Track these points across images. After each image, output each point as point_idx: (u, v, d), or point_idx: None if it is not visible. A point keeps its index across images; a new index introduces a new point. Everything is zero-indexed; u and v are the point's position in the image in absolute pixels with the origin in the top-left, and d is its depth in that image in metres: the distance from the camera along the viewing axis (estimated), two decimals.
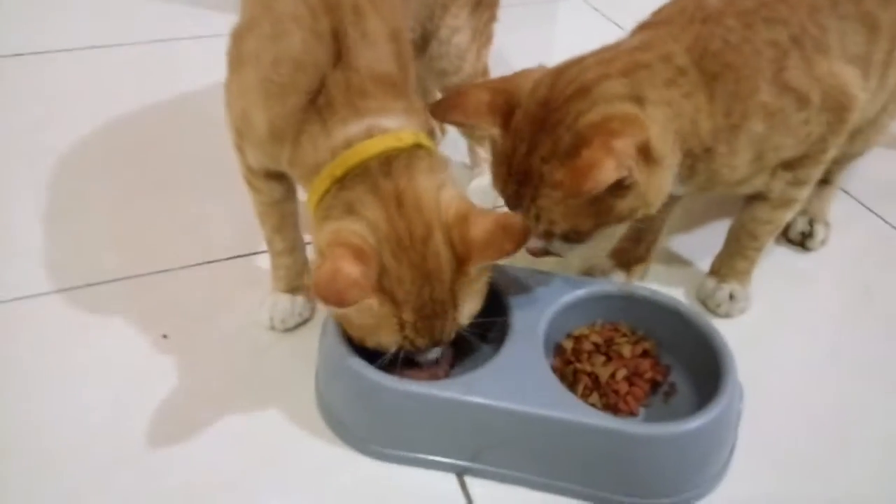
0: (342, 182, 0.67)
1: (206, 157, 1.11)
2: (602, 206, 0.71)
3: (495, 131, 0.74)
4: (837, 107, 0.78)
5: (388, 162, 0.68)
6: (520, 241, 0.68)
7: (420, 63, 0.97)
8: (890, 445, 0.79)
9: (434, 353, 0.75)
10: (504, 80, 0.76)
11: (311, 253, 0.86)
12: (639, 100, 0.71)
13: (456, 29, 0.96)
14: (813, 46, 0.76)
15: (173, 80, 1.33)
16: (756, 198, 0.87)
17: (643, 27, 0.80)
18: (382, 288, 0.66)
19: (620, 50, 0.75)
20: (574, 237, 0.75)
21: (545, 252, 0.78)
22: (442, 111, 0.76)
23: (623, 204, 0.72)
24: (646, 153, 0.70)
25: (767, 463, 0.76)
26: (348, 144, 0.68)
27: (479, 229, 0.68)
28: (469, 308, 0.71)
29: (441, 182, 0.69)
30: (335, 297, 0.62)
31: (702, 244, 1.03)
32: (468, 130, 1.04)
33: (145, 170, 1.13)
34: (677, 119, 0.72)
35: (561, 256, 0.80)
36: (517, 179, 0.73)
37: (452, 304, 0.69)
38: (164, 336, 0.86)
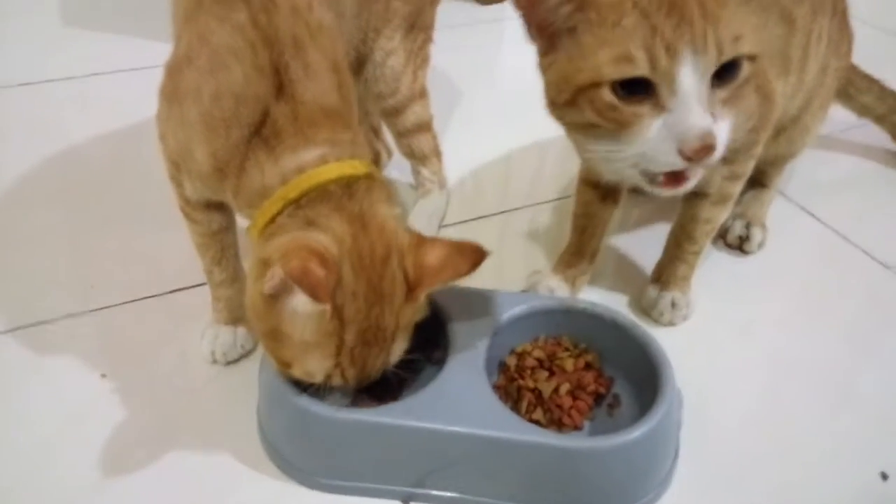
0: (298, 203, 0.67)
1: (142, 191, 1.10)
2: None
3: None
4: (765, 95, 0.80)
5: (349, 185, 0.68)
6: (475, 261, 0.68)
7: (358, 86, 0.98)
8: (833, 447, 0.80)
9: (345, 397, 0.73)
10: None
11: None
12: None
13: (390, 52, 0.97)
14: None
15: (111, 113, 1.32)
16: (695, 197, 0.88)
17: None
18: (335, 302, 0.65)
19: None
20: (741, 85, 0.63)
21: (713, 149, 0.62)
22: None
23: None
24: None
25: (712, 468, 0.77)
26: (301, 170, 0.67)
27: (433, 255, 0.68)
28: (400, 346, 0.71)
29: (396, 215, 0.70)
30: (310, 288, 0.60)
31: (642, 253, 1.04)
32: None
33: (82, 206, 1.12)
34: None
35: (706, 168, 0.67)
36: (671, 9, 0.60)
37: (393, 333, 0.69)
38: (103, 375, 0.84)
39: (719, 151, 0.62)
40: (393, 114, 1.03)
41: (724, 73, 0.62)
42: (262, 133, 0.68)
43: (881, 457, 0.78)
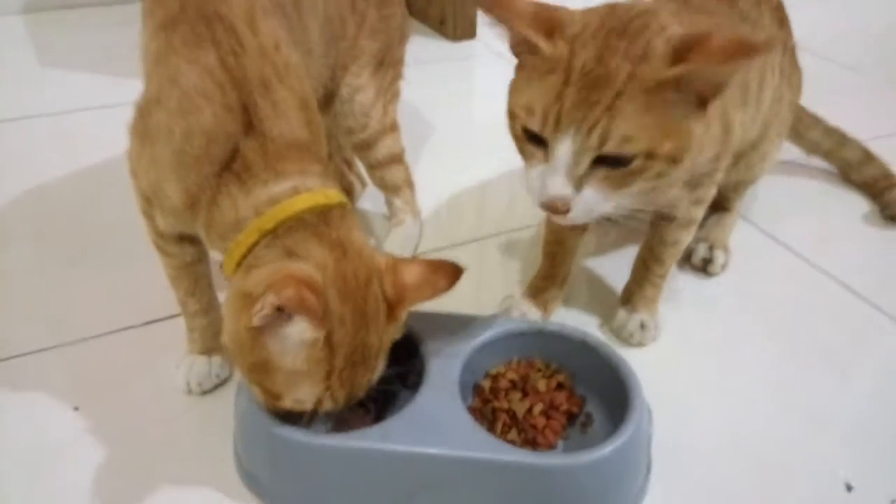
0: (274, 233, 0.68)
1: (116, 225, 1.10)
2: (685, 116, 0.67)
3: (540, 40, 0.69)
4: (725, 127, 0.84)
5: (325, 214, 0.69)
6: (453, 278, 0.71)
7: (328, 121, 1.00)
8: (799, 460, 0.82)
9: (324, 422, 0.74)
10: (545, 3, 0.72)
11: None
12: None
13: (358, 88, 0.99)
14: None
15: (79, 149, 1.33)
16: (662, 220, 0.92)
17: None
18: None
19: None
20: (616, 180, 0.68)
21: (566, 204, 0.70)
22: (488, 3, 0.71)
23: (698, 129, 0.68)
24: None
25: (683, 484, 0.78)
26: (274, 202, 0.68)
27: (410, 274, 0.71)
28: (382, 363, 0.72)
29: (368, 241, 0.72)
30: (309, 313, 0.62)
31: (613, 276, 1.07)
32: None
33: (56, 240, 1.12)
34: None
35: (573, 222, 0.74)
36: (581, 86, 0.66)
37: (377, 352, 0.70)
38: (76, 408, 0.83)
39: (577, 217, 0.71)
40: (364, 147, 1.06)
41: (613, 160, 0.68)
42: (232, 168, 0.69)
43: (846, 468, 0.81)
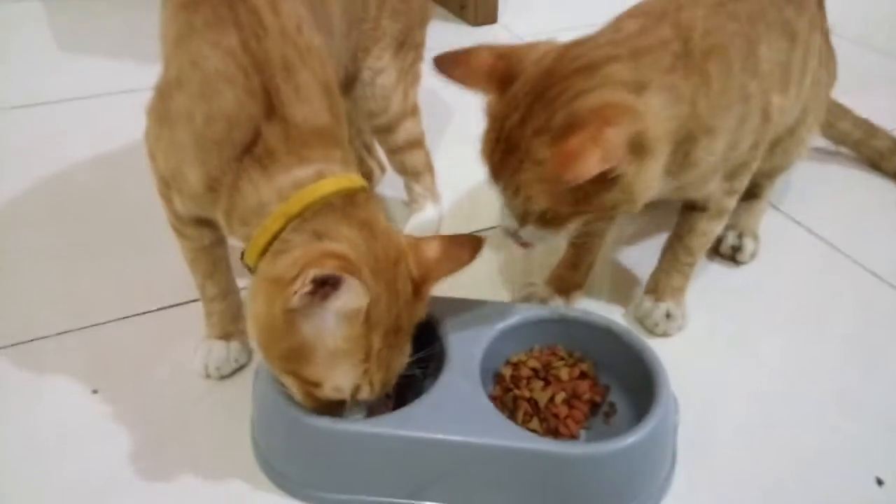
0: (302, 217, 0.67)
1: (135, 210, 1.09)
2: (585, 193, 0.69)
3: (491, 96, 0.73)
4: (765, 115, 0.81)
5: (350, 196, 0.68)
6: (474, 250, 0.72)
7: (348, 105, 0.99)
8: (828, 453, 0.80)
9: (362, 410, 0.73)
10: (511, 47, 0.75)
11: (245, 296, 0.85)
12: (642, 86, 0.70)
13: (379, 70, 0.98)
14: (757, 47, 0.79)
15: (99, 134, 1.33)
16: (693, 209, 0.89)
17: (627, 16, 0.79)
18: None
19: (627, 33, 0.74)
20: (550, 222, 0.73)
21: (517, 235, 0.77)
22: (445, 65, 0.74)
23: (608, 196, 0.70)
24: (638, 145, 0.69)
25: (710, 474, 0.76)
26: (298, 186, 0.67)
27: (432, 250, 0.71)
28: (410, 345, 0.72)
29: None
30: (357, 272, 0.62)
31: (638, 264, 1.05)
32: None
33: (76, 226, 1.12)
34: (678, 103, 0.72)
35: (528, 246, 0.78)
36: (504, 148, 0.72)
37: (408, 333, 0.70)
38: (94, 391, 0.83)
39: (530, 247, 0.79)
40: (384, 131, 1.04)
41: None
42: (254, 152, 0.68)
43: (877, 462, 0.78)
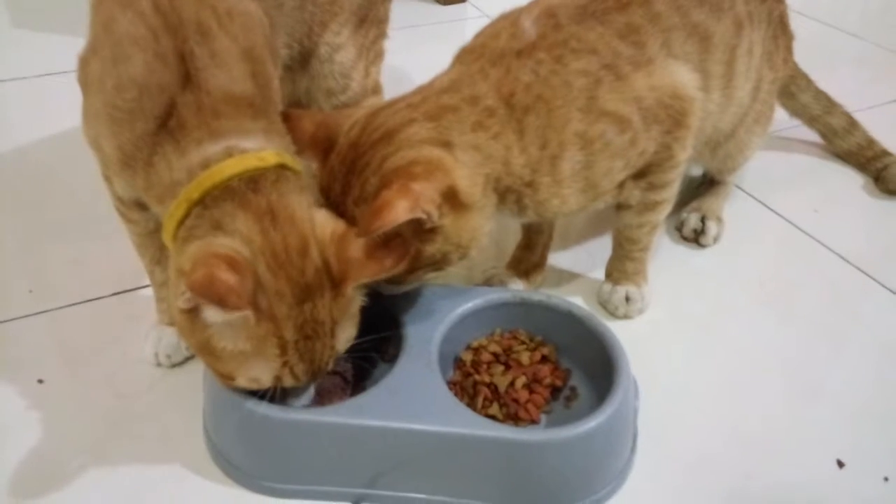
0: (203, 203, 0.63)
1: (86, 194, 1.05)
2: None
3: (315, 164, 0.74)
4: (673, 113, 0.79)
5: (255, 180, 0.64)
6: (400, 255, 0.66)
7: (306, 82, 0.96)
8: (790, 434, 0.80)
9: (306, 397, 0.70)
10: (329, 114, 0.76)
11: None
12: (447, 144, 0.70)
13: (338, 46, 0.94)
14: (630, 66, 0.77)
15: (53, 114, 1.27)
16: (619, 208, 0.87)
17: (460, 57, 0.80)
18: (258, 305, 0.61)
19: (430, 92, 0.74)
20: (393, 279, 0.72)
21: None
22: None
23: (432, 248, 0.71)
24: (452, 197, 0.69)
25: (671, 458, 0.76)
26: (206, 165, 0.64)
27: (356, 247, 0.65)
28: (346, 333, 0.68)
29: (310, 202, 0.67)
30: (217, 297, 0.57)
31: (600, 248, 1.03)
32: None
33: (25, 209, 1.08)
34: (487, 162, 0.72)
35: (394, 293, 0.77)
36: (336, 216, 0.71)
37: (331, 326, 0.66)
38: (40, 381, 0.80)
39: (401, 288, 0.77)
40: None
41: None
42: (168, 125, 0.64)
43: (838, 444, 0.78)
